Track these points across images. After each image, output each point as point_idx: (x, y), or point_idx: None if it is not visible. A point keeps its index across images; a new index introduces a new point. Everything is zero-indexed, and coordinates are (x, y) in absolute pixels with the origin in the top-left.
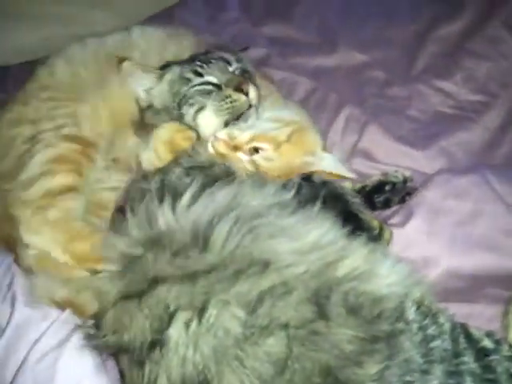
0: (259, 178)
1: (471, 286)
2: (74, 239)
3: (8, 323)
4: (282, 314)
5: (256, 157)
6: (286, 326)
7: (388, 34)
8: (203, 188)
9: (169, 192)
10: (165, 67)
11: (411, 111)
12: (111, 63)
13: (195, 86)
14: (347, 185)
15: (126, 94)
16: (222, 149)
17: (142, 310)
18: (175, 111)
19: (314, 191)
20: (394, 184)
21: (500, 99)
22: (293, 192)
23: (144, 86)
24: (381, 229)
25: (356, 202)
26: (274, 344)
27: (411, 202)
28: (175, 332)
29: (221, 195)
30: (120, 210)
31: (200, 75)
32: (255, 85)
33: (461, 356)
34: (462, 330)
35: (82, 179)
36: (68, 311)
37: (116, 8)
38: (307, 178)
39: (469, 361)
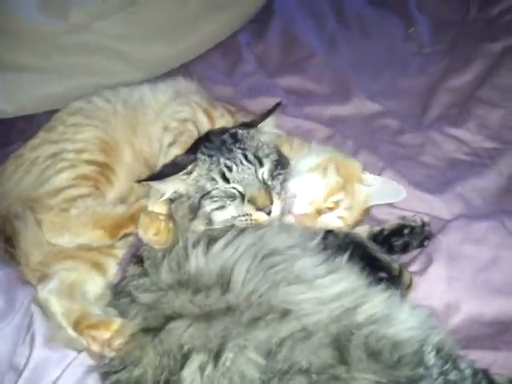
0: (288, 224)
1: (494, 333)
2: (99, 219)
3: (26, 364)
4: (303, 359)
5: (339, 212)
6: (306, 371)
7: (400, 84)
8: (236, 235)
9: (204, 239)
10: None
11: (425, 158)
12: (134, 114)
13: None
14: (366, 228)
15: (145, 142)
16: (309, 221)
17: (155, 347)
18: (195, 200)
19: (338, 240)
20: (412, 228)
21: None
22: (318, 238)
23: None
24: (400, 271)
25: (375, 247)
26: None
27: (429, 248)
28: (189, 375)
29: (249, 237)
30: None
31: (227, 181)
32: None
33: None
34: (483, 376)
35: (101, 194)
36: (84, 353)
37: (135, 61)
38: (330, 231)
39: None
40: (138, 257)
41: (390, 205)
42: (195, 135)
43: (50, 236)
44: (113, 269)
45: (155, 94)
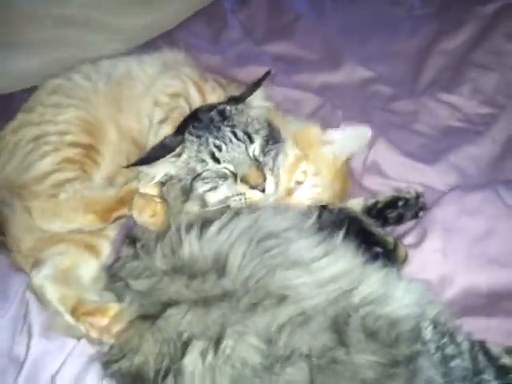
0: (282, 205)
1: (488, 302)
2: (90, 203)
3: (26, 356)
4: (303, 344)
5: (309, 181)
6: (307, 356)
7: (391, 48)
8: (231, 218)
9: (197, 223)
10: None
11: (418, 126)
12: (118, 88)
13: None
14: (360, 201)
15: (132, 118)
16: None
17: (153, 334)
18: (187, 182)
19: (333, 216)
20: (406, 200)
21: (507, 110)
22: (314, 218)
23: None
24: (395, 245)
25: (370, 221)
26: (295, 373)
27: (424, 220)
28: (191, 362)
29: (243, 221)
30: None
31: (217, 161)
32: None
33: (481, 374)
34: (480, 348)
35: (88, 177)
36: (84, 341)
37: (114, 32)
38: (324, 206)
39: (489, 378)
40: (131, 237)
41: (384, 176)
42: (187, 112)
43: (40, 223)
44: (106, 250)
45: (142, 67)
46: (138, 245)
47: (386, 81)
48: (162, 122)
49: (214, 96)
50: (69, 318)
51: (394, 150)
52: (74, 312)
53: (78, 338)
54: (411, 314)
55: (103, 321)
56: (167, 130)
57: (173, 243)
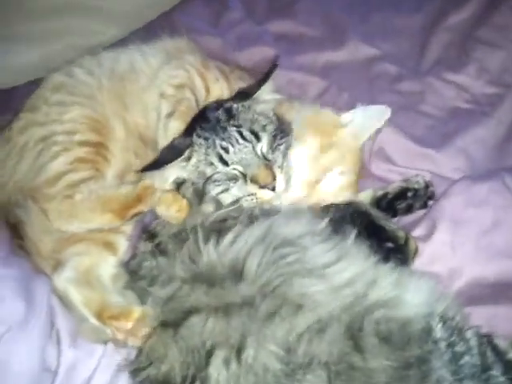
0: (295, 209)
1: (495, 291)
2: (106, 202)
3: (58, 366)
4: (321, 352)
5: (335, 170)
6: (326, 364)
7: (395, 23)
8: (245, 227)
9: (214, 232)
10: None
11: (425, 107)
12: (122, 84)
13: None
14: (369, 193)
15: (138, 113)
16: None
17: (176, 342)
18: (199, 185)
19: (341, 211)
20: (416, 190)
21: None
22: (326, 220)
23: (173, 177)
24: (407, 239)
25: (380, 215)
26: (314, 381)
27: (432, 212)
28: (215, 371)
29: (258, 228)
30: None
31: (225, 163)
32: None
33: (489, 370)
34: (488, 343)
35: (101, 174)
36: (111, 345)
37: (113, 17)
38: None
39: (497, 374)
40: (148, 232)
41: (391, 162)
42: (193, 103)
43: (58, 225)
44: (123, 246)
45: (145, 58)
46: (156, 241)
47: (390, 59)
48: (170, 115)
49: (217, 86)
50: (94, 321)
51: (400, 134)
52: (99, 316)
53: (105, 342)
54: (421, 312)
55: (128, 324)
56: (176, 123)
57: (191, 252)
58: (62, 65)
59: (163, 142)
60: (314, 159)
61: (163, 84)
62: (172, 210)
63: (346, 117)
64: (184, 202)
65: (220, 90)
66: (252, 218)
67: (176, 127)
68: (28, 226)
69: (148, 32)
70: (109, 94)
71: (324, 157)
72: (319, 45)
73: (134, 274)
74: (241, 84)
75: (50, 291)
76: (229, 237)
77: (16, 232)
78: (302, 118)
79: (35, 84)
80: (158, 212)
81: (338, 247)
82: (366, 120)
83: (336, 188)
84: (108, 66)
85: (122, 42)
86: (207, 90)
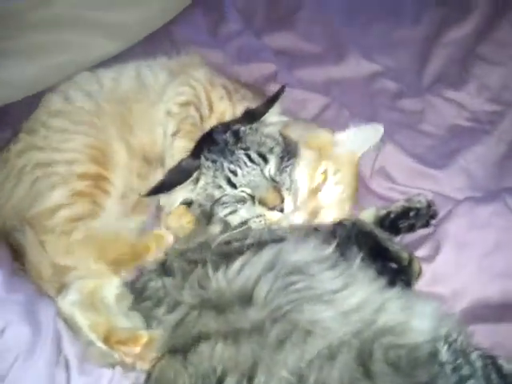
0: (303, 233)
1: (498, 311)
2: (103, 248)
3: None
4: (333, 380)
5: (331, 180)
6: None
7: (396, 36)
8: (255, 253)
9: (223, 257)
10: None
11: (426, 125)
12: (127, 106)
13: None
14: (372, 212)
15: (144, 132)
16: (312, 214)
17: (186, 368)
18: (207, 207)
19: (346, 231)
20: (418, 210)
21: None
22: (333, 245)
23: (180, 199)
24: (410, 260)
25: (384, 236)
26: None
27: (437, 233)
28: None
29: (266, 254)
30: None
31: (233, 186)
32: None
33: None
34: (492, 366)
35: (100, 208)
36: (119, 370)
37: (112, 31)
38: (339, 223)
39: None
40: None
41: (392, 180)
42: (198, 121)
43: (55, 258)
44: None
45: (154, 73)
46: (161, 260)
47: (391, 75)
48: (175, 134)
49: (221, 104)
50: (101, 345)
51: (401, 153)
52: (107, 340)
53: (113, 366)
54: (428, 337)
55: (136, 349)
56: (181, 142)
57: (200, 278)
58: (61, 80)
59: (169, 160)
60: (310, 172)
61: (170, 101)
62: (183, 221)
63: (340, 136)
64: (191, 216)
65: (223, 108)
66: (261, 245)
67: (181, 146)
68: (27, 250)
69: (148, 45)
70: (110, 118)
71: (319, 168)
72: (319, 59)
73: (139, 295)
74: (244, 103)
75: (55, 314)
76: (238, 263)
77: (17, 254)
78: (303, 137)
79: (33, 98)
80: (166, 225)
81: (345, 274)
82: (358, 139)
83: (335, 199)
84: (108, 86)
85: (121, 56)
86: (211, 108)
